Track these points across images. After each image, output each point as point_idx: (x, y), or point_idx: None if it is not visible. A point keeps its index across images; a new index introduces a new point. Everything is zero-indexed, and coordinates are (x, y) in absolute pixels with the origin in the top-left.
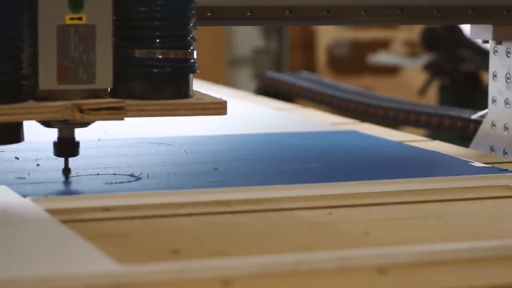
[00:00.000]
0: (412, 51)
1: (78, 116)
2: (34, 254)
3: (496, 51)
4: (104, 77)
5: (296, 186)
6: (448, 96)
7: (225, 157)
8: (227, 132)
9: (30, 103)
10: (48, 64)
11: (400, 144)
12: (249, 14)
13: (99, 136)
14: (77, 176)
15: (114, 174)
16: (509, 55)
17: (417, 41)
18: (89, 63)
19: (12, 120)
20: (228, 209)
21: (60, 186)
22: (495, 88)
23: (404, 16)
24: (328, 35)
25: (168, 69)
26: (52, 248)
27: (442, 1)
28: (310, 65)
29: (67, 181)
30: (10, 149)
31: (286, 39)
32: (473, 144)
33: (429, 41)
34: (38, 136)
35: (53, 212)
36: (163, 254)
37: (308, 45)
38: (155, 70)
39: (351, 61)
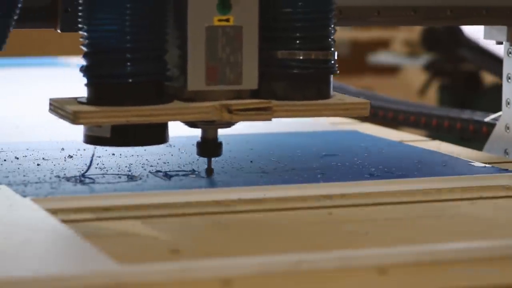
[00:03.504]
0: (412, 51)
1: (226, 116)
2: (34, 254)
3: (510, 53)
4: (250, 78)
5: (296, 186)
6: (448, 96)
7: (224, 157)
8: (227, 132)
9: (179, 104)
10: (196, 65)
11: (400, 144)
12: None
13: None
14: (77, 176)
15: (114, 174)
16: None
17: (417, 41)
18: (236, 64)
19: (162, 121)
20: (228, 209)
21: (60, 186)
22: (509, 90)
23: (417, 16)
24: None
25: (309, 70)
26: (52, 248)
27: (456, 2)
28: None
29: (67, 181)
30: (10, 149)
31: None
32: (486, 147)
33: (429, 41)
34: (38, 136)
35: (53, 212)
36: (163, 254)
37: None
38: (297, 71)
39: (351, 61)
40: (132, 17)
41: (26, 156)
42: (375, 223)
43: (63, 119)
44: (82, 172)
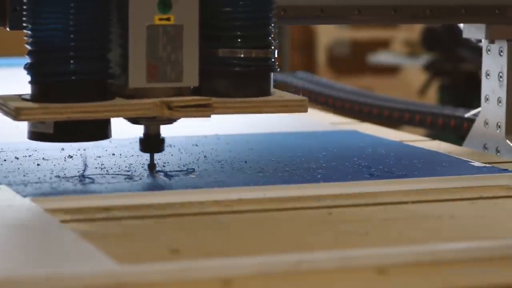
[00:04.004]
0: (412, 51)
1: (167, 113)
2: (34, 254)
3: (489, 50)
4: (191, 76)
5: (296, 186)
6: (448, 96)
7: (224, 157)
8: (227, 132)
9: (120, 101)
10: (137, 63)
11: (400, 144)
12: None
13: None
14: (77, 176)
15: (114, 174)
16: (501, 54)
17: (417, 41)
18: (176, 62)
19: (104, 117)
20: (228, 209)
21: (60, 186)
22: (488, 86)
23: (397, 15)
24: (328, 35)
25: (250, 68)
26: (52, 248)
27: (435, 1)
28: (310, 65)
29: (67, 181)
30: (10, 149)
31: (286, 39)
32: (466, 142)
33: (429, 41)
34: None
35: (53, 212)
36: (163, 254)
37: (308, 45)
38: (237, 69)
39: (351, 61)
40: (76, 16)
41: (26, 156)
42: (375, 223)
43: (7, 115)
44: (82, 172)
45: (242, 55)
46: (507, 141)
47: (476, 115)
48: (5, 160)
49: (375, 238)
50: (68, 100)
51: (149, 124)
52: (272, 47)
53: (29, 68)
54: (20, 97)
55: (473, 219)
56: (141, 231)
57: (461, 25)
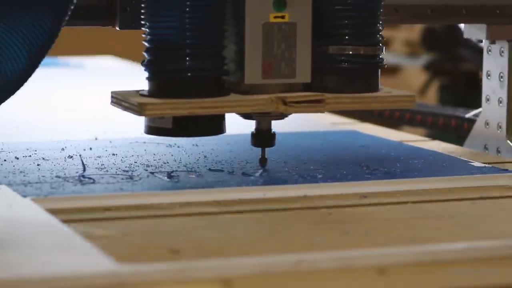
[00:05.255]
0: (412, 51)
1: (282, 108)
2: (34, 254)
3: (489, 50)
4: (303, 72)
5: (297, 186)
6: (448, 96)
7: (224, 157)
8: (227, 132)
9: (237, 97)
10: (253, 60)
11: (400, 144)
12: None
13: (98, 136)
14: (77, 176)
15: (114, 174)
16: (502, 54)
17: (417, 41)
18: (290, 59)
19: (222, 112)
20: (228, 209)
21: (60, 186)
22: (488, 87)
23: (398, 15)
24: None
25: (359, 64)
26: (52, 248)
27: (436, 1)
28: None
29: (67, 181)
30: (10, 149)
31: None
32: (467, 142)
33: (429, 41)
34: (38, 136)
35: (53, 212)
36: (163, 254)
37: None
38: (347, 65)
39: None
40: (192, 14)
41: (26, 156)
42: (375, 223)
43: (127, 111)
44: (82, 172)
45: (351, 52)
46: (508, 141)
47: (476, 115)
48: (5, 160)
49: (375, 238)
50: (186, 96)
51: (261, 119)
52: (380, 44)
53: (147, 64)
54: (137, 93)
55: (473, 219)
56: (141, 231)
57: (462, 25)
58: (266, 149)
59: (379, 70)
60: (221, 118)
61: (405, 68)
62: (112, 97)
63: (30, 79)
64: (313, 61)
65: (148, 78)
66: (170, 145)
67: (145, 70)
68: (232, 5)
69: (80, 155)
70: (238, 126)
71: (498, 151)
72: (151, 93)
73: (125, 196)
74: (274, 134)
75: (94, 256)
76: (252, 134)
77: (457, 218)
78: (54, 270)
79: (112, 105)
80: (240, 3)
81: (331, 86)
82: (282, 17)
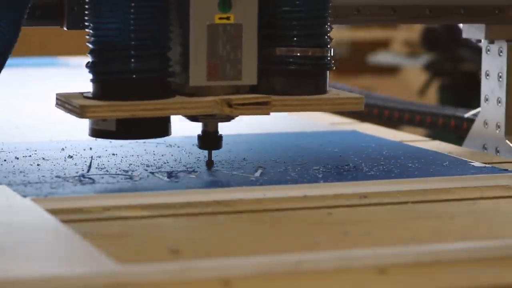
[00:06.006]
0: (412, 51)
1: (227, 110)
2: (34, 254)
3: (488, 50)
4: (249, 74)
5: (296, 186)
6: (448, 96)
7: (224, 157)
8: (227, 133)
9: (182, 99)
10: (198, 61)
11: (400, 144)
12: None
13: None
14: (77, 176)
15: (114, 174)
16: (501, 54)
17: (417, 41)
18: (236, 61)
19: (166, 115)
20: (228, 209)
21: (60, 186)
22: (487, 87)
23: (396, 15)
24: None
25: (307, 66)
26: (52, 248)
27: (434, 1)
28: None
29: (67, 181)
30: (10, 149)
31: None
32: (465, 142)
33: (429, 41)
34: (38, 136)
35: (53, 212)
36: (163, 254)
37: None
38: (294, 67)
39: (351, 61)
40: (136, 15)
41: (26, 156)
42: (375, 223)
43: (70, 113)
44: (82, 172)
45: (299, 54)
46: (507, 141)
47: (475, 115)
48: (5, 160)
49: (375, 238)
50: (130, 98)
51: (207, 122)
52: (329, 46)
53: (91, 66)
54: (81, 95)
55: (473, 219)
56: (141, 231)
57: (461, 25)
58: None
59: (328, 72)
60: (166, 120)
61: (405, 68)
62: (56, 98)
63: (31, 79)
64: (260, 62)
65: (91, 80)
66: (170, 145)
67: (89, 72)
68: (177, 6)
69: (91, 158)
70: (238, 126)
71: (497, 151)
72: (95, 95)
73: (125, 196)
74: (220, 136)
75: (94, 256)
76: (198, 136)
77: (457, 218)
78: (54, 270)
79: (57, 107)
80: (184, 4)
81: (278, 88)
82: (228, 18)
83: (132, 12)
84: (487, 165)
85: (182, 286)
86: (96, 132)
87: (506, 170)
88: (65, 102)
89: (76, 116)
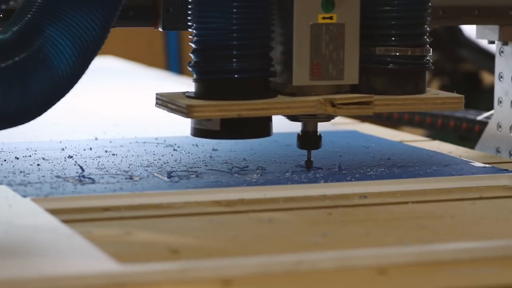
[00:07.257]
0: None
1: (330, 110)
2: (34, 254)
3: (502, 52)
4: (351, 74)
5: (297, 186)
6: None
7: (224, 157)
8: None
9: (285, 98)
10: (302, 61)
11: (400, 144)
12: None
13: (98, 136)
14: (77, 176)
15: (114, 174)
16: None
17: None
18: (338, 60)
19: (270, 114)
20: (228, 209)
21: (60, 186)
22: (501, 89)
23: None
24: None
25: (407, 65)
26: (52, 248)
27: (448, 2)
28: None
29: (67, 181)
30: (10, 149)
31: None
32: (478, 145)
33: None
34: (39, 135)
35: (53, 212)
36: (163, 254)
37: None
38: (395, 67)
39: None
40: (239, 15)
41: (26, 156)
42: (375, 223)
43: (174, 112)
44: (82, 172)
45: (398, 53)
46: None
47: (488, 117)
48: (5, 160)
49: (375, 238)
50: (234, 97)
51: (307, 121)
52: (428, 46)
53: (194, 66)
54: (184, 95)
55: (473, 219)
56: (141, 231)
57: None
58: (312, 151)
59: (426, 72)
60: (269, 120)
61: None
62: (157, 98)
63: None
64: (360, 62)
65: (195, 80)
66: (170, 145)
67: (192, 71)
68: (279, 6)
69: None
70: None
71: (510, 154)
72: (198, 95)
73: (125, 196)
74: (320, 136)
75: (94, 256)
76: (298, 136)
77: (457, 218)
78: (54, 270)
79: (157, 106)
80: (288, 3)
81: (378, 88)
82: (330, 18)
83: (235, 12)
84: (487, 165)
85: (182, 286)
86: (200, 132)
87: (506, 170)
88: (169, 102)
89: (182, 116)
